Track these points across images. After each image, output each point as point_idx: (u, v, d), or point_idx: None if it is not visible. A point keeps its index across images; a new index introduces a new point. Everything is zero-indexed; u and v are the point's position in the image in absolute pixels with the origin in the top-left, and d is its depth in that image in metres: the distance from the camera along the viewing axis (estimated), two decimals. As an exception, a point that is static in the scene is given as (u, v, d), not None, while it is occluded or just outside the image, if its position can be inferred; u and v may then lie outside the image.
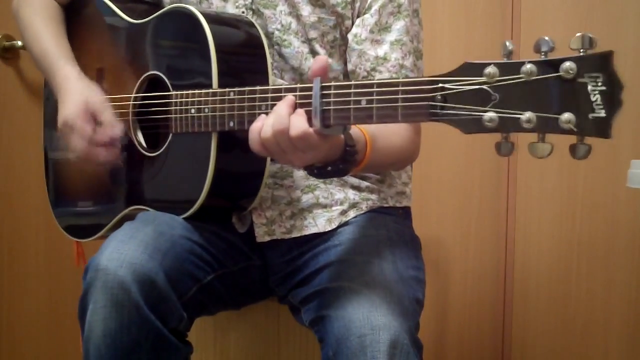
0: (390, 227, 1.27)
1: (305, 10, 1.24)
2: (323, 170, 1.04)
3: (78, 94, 1.21)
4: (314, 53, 1.25)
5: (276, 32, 1.24)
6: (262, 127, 0.98)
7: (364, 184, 1.30)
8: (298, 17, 1.24)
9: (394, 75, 1.23)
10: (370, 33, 1.24)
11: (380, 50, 1.24)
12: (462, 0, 1.99)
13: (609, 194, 1.86)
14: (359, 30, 1.25)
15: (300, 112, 0.96)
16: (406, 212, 1.39)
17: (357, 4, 1.24)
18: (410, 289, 1.14)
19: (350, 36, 1.26)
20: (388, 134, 1.16)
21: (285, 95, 0.99)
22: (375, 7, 1.23)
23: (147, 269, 1.04)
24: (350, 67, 1.27)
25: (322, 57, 0.98)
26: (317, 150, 0.97)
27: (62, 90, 1.25)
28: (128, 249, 1.05)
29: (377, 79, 0.94)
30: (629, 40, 1.85)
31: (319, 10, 1.24)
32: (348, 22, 1.26)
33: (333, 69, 1.28)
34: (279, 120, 0.96)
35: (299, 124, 0.95)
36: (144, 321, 1.03)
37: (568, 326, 1.93)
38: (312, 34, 1.24)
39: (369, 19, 1.24)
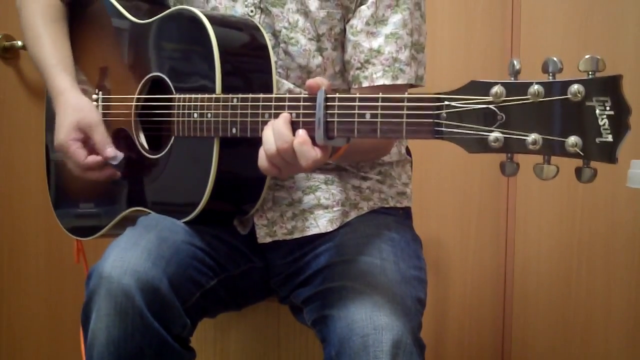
0: (392, 227, 1.27)
1: (313, 5, 1.23)
2: None
3: (70, 114, 1.22)
4: (321, 50, 1.25)
5: (283, 30, 1.24)
6: (267, 150, 0.98)
7: (365, 184, 1.30)
8: (306, 14, 1.23)
9: (386, 69, 1.22)
10: (365, 25, 1.23)
11: (375, 43, 1.22)
12: (462, 1, 1.99)
13: (609, 194, 1.86)
14: (355, 21, 1.24)
15: (306, 140, 0.96)
16: (407, 212, 1.39)
17: None
18: (412, 288, 1.14)
19: (347, 27, 1.25)
20: None
21: (288, 105, 0.99)
22: None
23: (151, 277, 1.04)
24: (346, 57, 1.26)
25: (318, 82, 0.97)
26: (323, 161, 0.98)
27: (56, 103, 1.26)
28: (131, 256, 1.05)
29: (382, 94, 0.93)
30: (629, 40, 1.85)
31: (326, 4, 1.23)
32: (351, 14, 1.25)
33: (338, 62, 1.27)
34: (282, 138, 0.96)
35: (309, 154, 0.95)
36: (147, 329, 1.03)
37: (568, 326, 1.93)
38: (322, 29, 1.24)
39: (366, 10, 1.23)
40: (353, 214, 1.28)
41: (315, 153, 0.95)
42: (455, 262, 2.03)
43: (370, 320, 1.02)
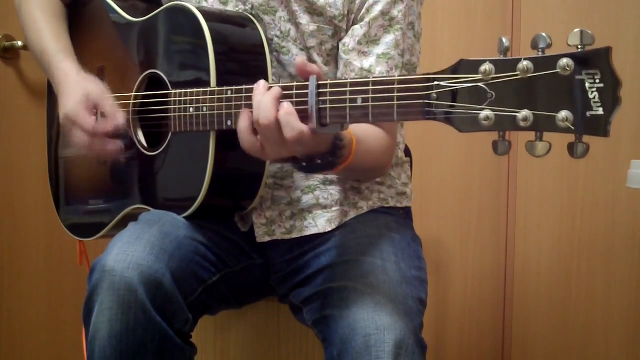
0: (392, 226, 1.27)
1: (303, 18, 1.23)
2: (312, 164, 1.03)
3: (77, 88, 1.21)
4: (311, 62, 1.24)
5: (275, 39, 1.24)
6: (249, 126, 0.99)
7: (364, 185, 1.30)
8: (297, 25, 1.24)
9: None
10: (357, 44, 1.23)
11: (366, 62, 1.23)
12: (462, 0, 1.99)
13: (609, 194, 1.87)
14: (347, 39, 1.24)
15: (290, 110, 0.96)
16: (407, 212, 1.38)
17: (352, 16, 1.24)
18: (413, 288, 1.14)
19: (340, 44, 1.25)
20: (370, 140, 1.16)
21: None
22: (366, 19, 1.22)
23: (154, 270, 1.04)
24: (337, 74, 1.27)
25: (301, 60, 0.98)
26: (305, 146, 0.97)
27: (60, 86, 1.24)
28: (134, 250, 1.05)
29: (372, 77, 0.93)
30: (629, 39, 1.85)
31: (317, 19, 1.23)
32: (344, 33, 1.25)
33: (330, 77, 1.27)
34: (265, 114, 0.96)
35: (294, 124, 0.95)
36: (149, 323, 1.03)
37: (568, 326, 1.93)
38: (310, 42, 1.24)
39: (358, 29, 1.23)
40: (352, 214, 1.28)
41: (300, 125, 0.95)
42: (455, 262, 2.03)
43: (372, 320, 1.02)
